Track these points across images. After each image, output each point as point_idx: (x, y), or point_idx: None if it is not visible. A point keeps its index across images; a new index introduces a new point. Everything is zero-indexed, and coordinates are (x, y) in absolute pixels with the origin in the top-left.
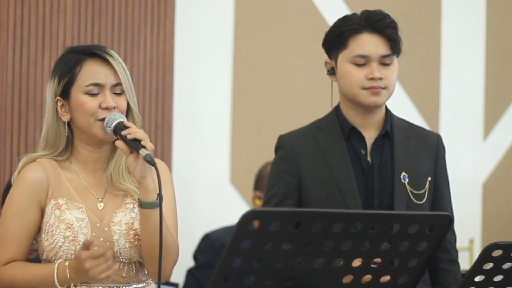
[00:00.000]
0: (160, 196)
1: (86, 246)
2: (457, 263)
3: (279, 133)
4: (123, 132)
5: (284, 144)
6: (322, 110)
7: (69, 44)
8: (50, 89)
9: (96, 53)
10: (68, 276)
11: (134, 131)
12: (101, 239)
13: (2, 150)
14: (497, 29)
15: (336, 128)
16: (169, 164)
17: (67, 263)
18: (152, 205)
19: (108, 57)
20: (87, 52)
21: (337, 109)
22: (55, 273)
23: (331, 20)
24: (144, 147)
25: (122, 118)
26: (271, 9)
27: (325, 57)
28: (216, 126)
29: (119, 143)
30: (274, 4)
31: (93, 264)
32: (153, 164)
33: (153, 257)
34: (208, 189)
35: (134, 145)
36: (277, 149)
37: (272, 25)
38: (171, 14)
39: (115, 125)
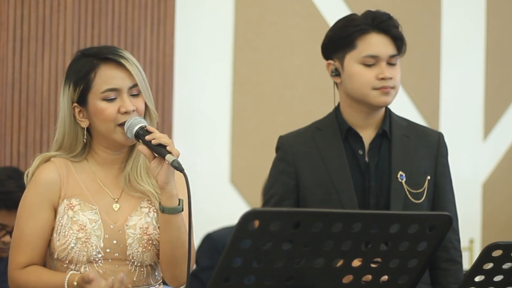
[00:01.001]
0: (189, 201)
1: (85, 281)
2: (458, 263)
3: (279, 133)
4: (147, 137)
5: (283, 145)
6: (322, 110)
7: (69, 44)
8: (65, 95)
9: (109, 57)
10: None
11: (159, 136)
12: (114, 242)
13: (2, 150)
14: (497, 29)
15: (334, 128)
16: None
17: (75, 282)
18: (174, 210)
19: (122, 60)
20: (100, 56)
21: (336, 110)
22: (66, 286)
23: (331, 20)
24: (170, 152)
25: (143, 123)
26: (271, 9)
27: None
28: (216, 126)
29: (142, 148)
30: (274, 4)
31: None
32: (181, 170)
33: (172, 262)
34: (208, 189)
35: (159, 150)
36: (277, 150)
37: (272, 25)
38: (171, 14)
39: (137, 130)
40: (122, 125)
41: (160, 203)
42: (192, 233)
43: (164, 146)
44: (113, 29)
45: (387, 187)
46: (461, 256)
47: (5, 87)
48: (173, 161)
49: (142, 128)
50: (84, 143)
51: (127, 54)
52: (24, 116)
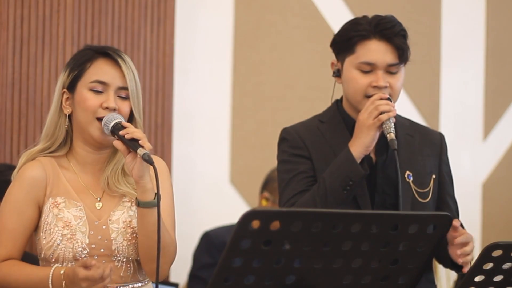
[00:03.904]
0: (158, 195)
1: (86, 266)
2: None
3: (279, 133)
4: (121, 132)
5: (290, 134)
6: (321, 110)
7: (69, 44)
8: (59, 81)
9: (109, 53)
10: (63, 284)
11: (132, 130)
12: (99, 237)
13: (2, 150)
14: (497, 29)
15: (338, 121)
16: (169, 164)
17: (62, 271)
18: (149, 204)
19: (120, 60)
20: (101, 50)
21: (338, 104)
22: (50, 279)
23: (331, 20)
24: (142, 146)
25: (120, 119)
26: (271, 9)
27: (325, 57)
28: (216, 126)
29: (117, 143)
30: (274, 4)
31: (90, 284)
32: (151, 163)
33: (150, 256)
34: (208, 189)
35: (132, 144)
36: (283, 140)
37: (272, 25)
38: (171, 14)
39: (113, 125)
40: (100, 120)
41: (136, 198)
42: (160, 226)
43: (137, 140)
44: (113, 29)
45: (394, 187)
46: None
47: (5, 87)
48: (143, 154)
49: (117, 123)
50: (65, 130)
51: (128, 58)
52: (24, 116)
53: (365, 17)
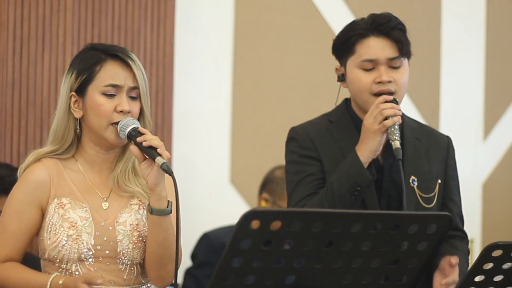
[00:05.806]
0: (177, 205)
1: (89, 283)
2: (466, 252)
3: (279, 133)
4: (139, 139)
5: (298, 134)
6: (322, 110)
7: (69, 44)
8: (65, 83)
9: (118, 55)
10: None
11: (150, 138)
12: (105, 238)
13: (2, 150)
14: (497, 29)
15: (348, 121)
16: (169, 164)
17: (61, 281)
18: (163, 212)
19: (130, 61)
20: (109, 52)
21: (347, 104)
22: (48, 285)
23: (331, 20)
24: (160, 155)
25: (136, 124)
26: (271, 9)
27: (325, 57)
28: (216, 126)
29: (134, 149)
30: (274, 4)
31: None
32: (170, 173)
33: (158, 262)
34: (208, 189)
35: (150, 152)
36: (291, 139)
37: (272, 25)
38: (171, 14)
39: (129, 131)
40: (115, 124)
41: (149, 204)
42: (179, 235)
43: (154, 149)
44: (113, 29)
45: (400, 191)
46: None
47: (5, 87)
48: (162, 163)
49: (134, 129)
50: (74, 134)
51: (135, 57)
52: (24, 116)
53: (362, 18)
